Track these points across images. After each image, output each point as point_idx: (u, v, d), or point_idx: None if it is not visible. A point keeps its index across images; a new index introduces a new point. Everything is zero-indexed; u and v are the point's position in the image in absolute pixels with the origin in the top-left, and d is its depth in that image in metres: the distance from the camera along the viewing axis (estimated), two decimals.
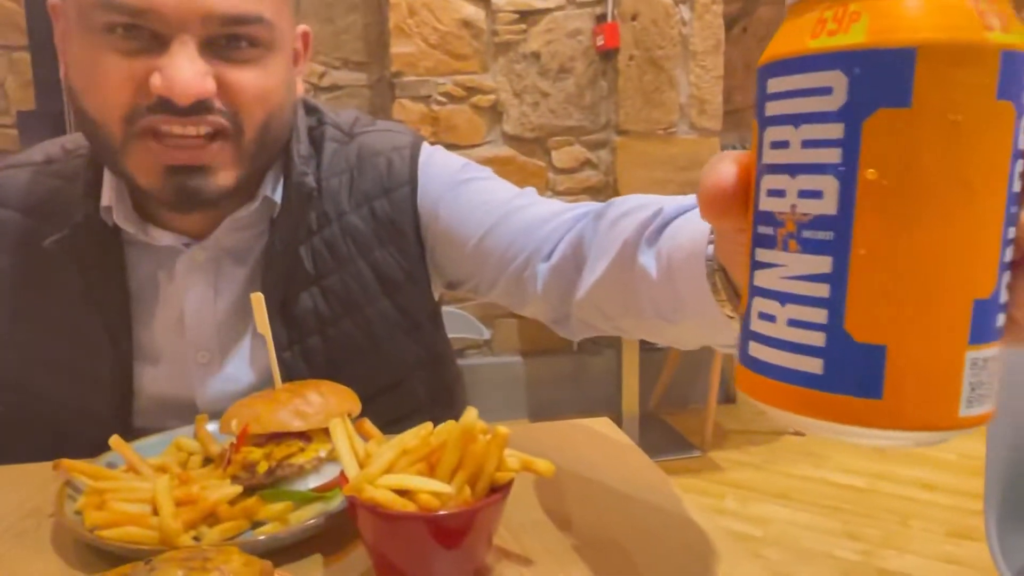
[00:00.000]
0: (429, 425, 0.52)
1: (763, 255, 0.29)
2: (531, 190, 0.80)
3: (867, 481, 2.45)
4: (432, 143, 0.84)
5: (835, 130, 0.25)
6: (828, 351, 0.26)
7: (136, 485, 0.56)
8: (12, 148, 2.49)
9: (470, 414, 0.48)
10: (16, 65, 2.52)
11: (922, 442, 0.27)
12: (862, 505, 2.30)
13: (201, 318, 0.74)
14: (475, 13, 2.83)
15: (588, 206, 0.71)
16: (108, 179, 0.71)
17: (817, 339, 0.27)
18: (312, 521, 0.53)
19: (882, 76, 0.24)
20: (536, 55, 2.89)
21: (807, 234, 0.26)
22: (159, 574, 0.41)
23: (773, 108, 0.28)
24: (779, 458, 2.66)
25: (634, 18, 2.86)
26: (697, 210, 0.37)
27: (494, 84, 2.88)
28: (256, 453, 0.57)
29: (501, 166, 2.88)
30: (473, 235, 0.75)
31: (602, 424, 0.79)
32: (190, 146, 0.62)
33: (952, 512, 2.23)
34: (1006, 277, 0.26)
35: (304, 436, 0.58)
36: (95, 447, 0.63)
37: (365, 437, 0.55)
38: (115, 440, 0.62)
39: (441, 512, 0.47)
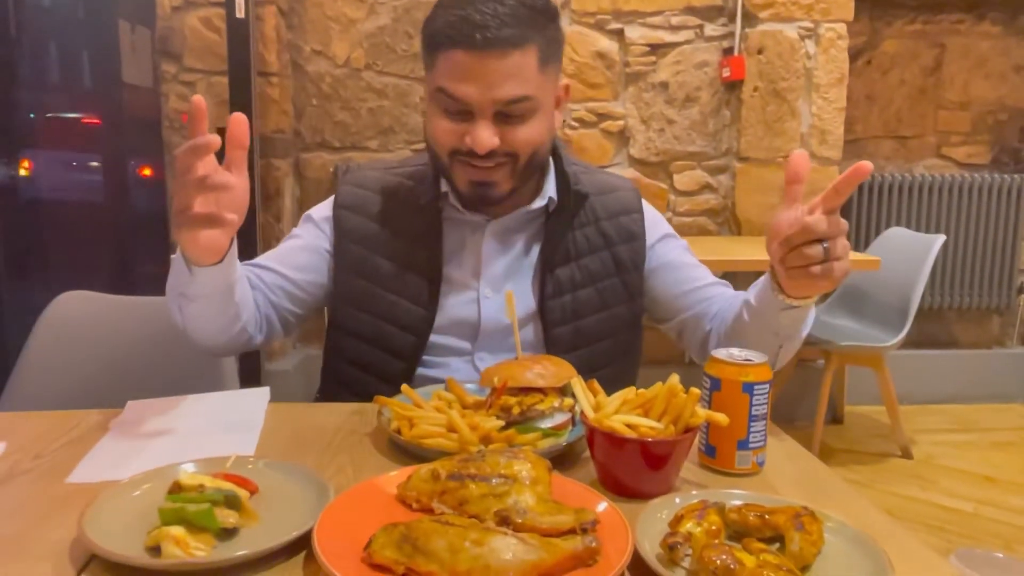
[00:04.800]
0: (634, 388, 0.77)
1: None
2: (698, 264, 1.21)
3: (973, 506, 2.52)
4: None
5: (706, 393, 0.82)
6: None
7: (431, 414, 0.83)
8: None
9: (674, 379, 0.73)
10: (214, 87, 2.96)
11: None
12: (967, 528, 2.38)
13: (490, 265, 1.12)
14: (609, 46, 3.08)
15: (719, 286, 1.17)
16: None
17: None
18: (554, 446, 0.78)
19: (714, 382, 0.81)
20: (664, 85, 3.11)
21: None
22: (488, 458, 0.67)
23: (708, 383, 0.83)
24: (885, 478, 2.75)
25: (760, 52, 3.03)
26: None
27: (623, 111, 3.12)
28: (511, 400, 0.83)
29: None
30: (673, 286, 1.16)
31: None
32: (485, 170, 1.02)
33: None
34: (752, 434, 0.80)
35: (542, 391, 0.84)
36: (403, 357, 1.08)
37: (594, 392, 0.80)
38: (405, 387, 0.90)
39: (654, 439, 0.71)
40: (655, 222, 1.19)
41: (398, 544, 0.58)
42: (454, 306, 1.10)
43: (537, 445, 0.79)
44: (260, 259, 1.13)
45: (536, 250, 1.13)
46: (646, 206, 1.19)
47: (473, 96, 0.97)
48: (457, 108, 0.99)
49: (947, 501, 2.57)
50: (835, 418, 3.23)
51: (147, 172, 3.00)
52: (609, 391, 0.82)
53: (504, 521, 0.61)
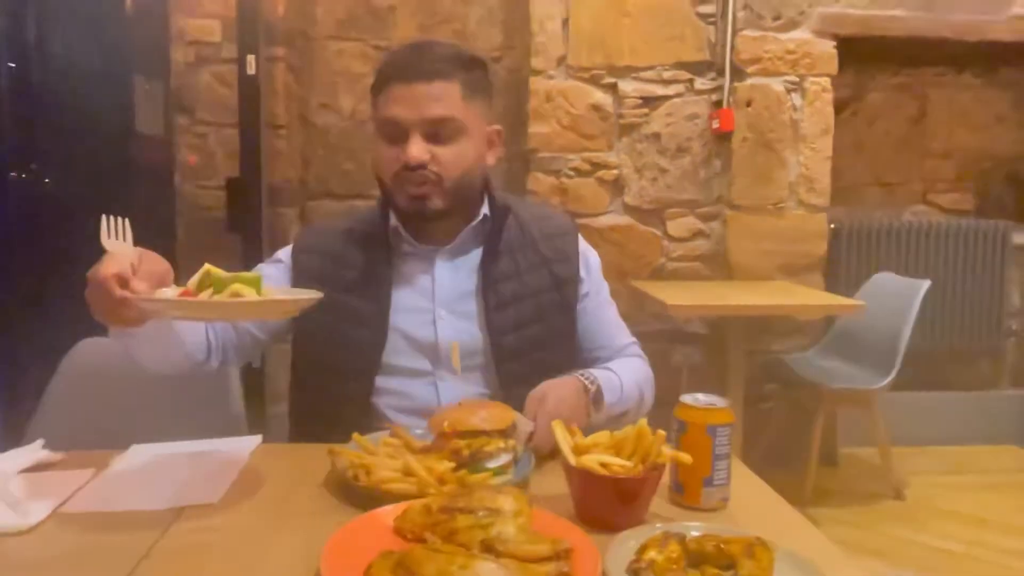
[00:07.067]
0: (607, 433, 0.85)
1: None
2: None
3: (964, 547, 2.56)
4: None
5: (674, 435, 0.91)
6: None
7: (386, 460, 0.91)
8: (218, 208, 3.04)
9: (642, 422, 0.81)
10: (225, 140, 3.10)
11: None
12: (958, 570, 2.42)
13: (443, 288, 1.24)
14: (604, 98, 3.21)
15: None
16: (392, 214, 1.24)
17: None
18: (505, 483, 0.87)
19: (681, 425, 0.91)
20: (656, 136, 3.23)
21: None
22: (475, 493, 0.75)
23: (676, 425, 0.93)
24: (878, 520, 2.79)
25: (748, 104, 3.16)
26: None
27: (618, 161, 3.23)
28: (460, 443, 0.91)
29: (621, 233, 3.22)
30: (585, 339, 1.30)
31: None
32: (419, 185, 1.16)
33: None
34: (716, 472, 0.89)
35: (487, 433, 0.93)
36: (357, 379, 1.19)
37: (572, 433, 0.88)
38: (356, 436, 0.98)
39: (624, 476, 0.79)
40: (587, 258, 1.33)
41: (394, 569, 0.66)
42: (411, 328, 1.22)
43: (488, 483, 0.87)
44: None
45: (479, 269, 1.26)
46: (582, 240, 1.34)
47: (404, 115, 1.15)
48: (395, 132, 1.16)
49: (939, 542, 2.61)
50: (829, 460, 3.28)
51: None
52: None
53: (488, 549, 0.69)
